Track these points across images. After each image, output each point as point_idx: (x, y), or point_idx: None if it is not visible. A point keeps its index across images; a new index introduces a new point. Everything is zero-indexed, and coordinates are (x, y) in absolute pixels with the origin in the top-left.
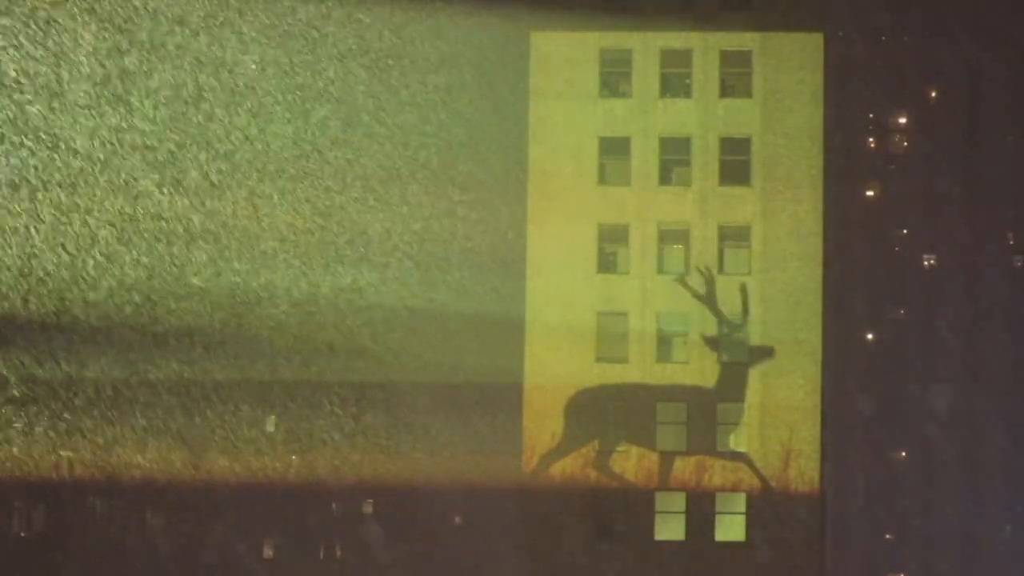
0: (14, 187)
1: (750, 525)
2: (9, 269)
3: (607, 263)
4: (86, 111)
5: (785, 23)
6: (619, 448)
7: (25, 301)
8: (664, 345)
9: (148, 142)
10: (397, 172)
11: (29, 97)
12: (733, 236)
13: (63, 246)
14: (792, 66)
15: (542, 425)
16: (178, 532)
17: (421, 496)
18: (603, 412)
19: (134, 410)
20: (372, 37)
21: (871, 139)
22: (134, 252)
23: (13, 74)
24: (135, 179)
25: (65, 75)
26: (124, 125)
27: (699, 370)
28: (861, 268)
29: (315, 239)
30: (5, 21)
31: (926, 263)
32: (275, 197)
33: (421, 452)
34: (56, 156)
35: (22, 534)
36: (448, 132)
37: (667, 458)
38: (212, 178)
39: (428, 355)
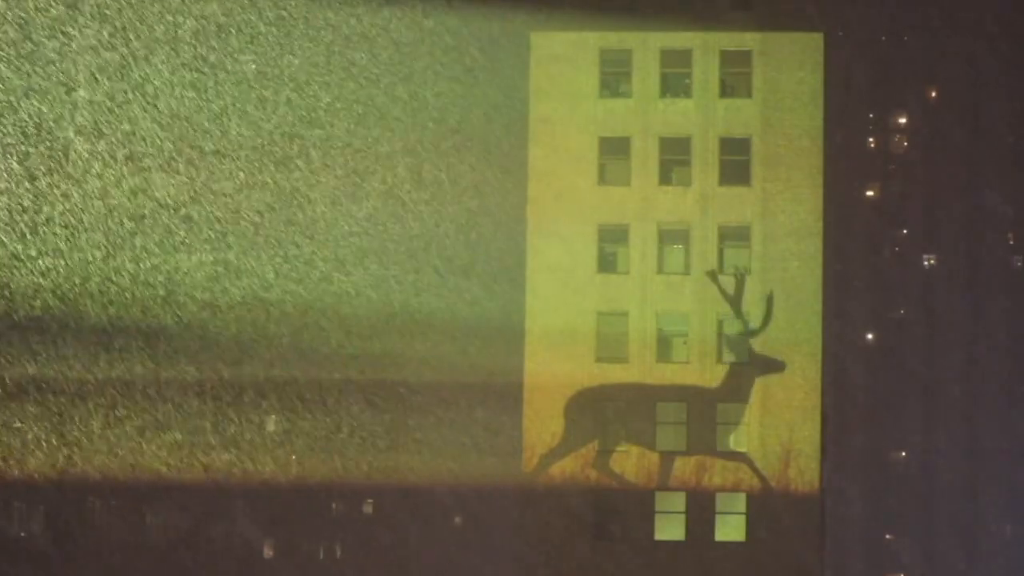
0: None
1: (750, 525)
2: None
3: (607, 263)
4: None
5: (785, 23)
6: (619, 448)
7: None
8: (664, 345)
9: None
10: (397, 173)
11: None
12: (733, 236)
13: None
14: (792, 66)
15: (542, 425)
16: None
17: (421, 496)
18: (603, 412)
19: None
20: (372, 37)
21: (871, 139)
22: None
23: None
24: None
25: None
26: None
27: (699, 370)
28: (861, 268)
29: (315, 240)
30: None
31: (926, 263)
32: (278, 200)
33: (421, 452)
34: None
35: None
36: (448, 132)
37: (667, 458)
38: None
39: (428, 355)
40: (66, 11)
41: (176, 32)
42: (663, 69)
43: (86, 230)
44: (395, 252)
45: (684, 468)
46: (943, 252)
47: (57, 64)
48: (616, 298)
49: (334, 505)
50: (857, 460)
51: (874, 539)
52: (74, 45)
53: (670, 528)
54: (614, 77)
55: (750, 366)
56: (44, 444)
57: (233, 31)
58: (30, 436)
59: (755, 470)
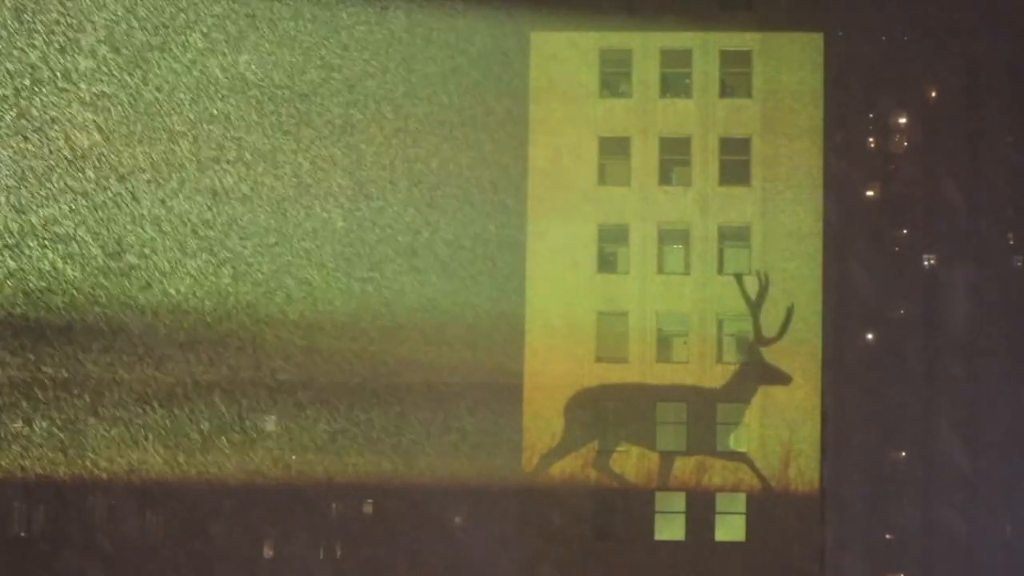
0: None
1: (750, 525)
2: None
3: (607, 263)
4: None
5: (785, 23)
6: (619, 448)
7: None
8: (664, 345)
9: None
10: (397, 173)
11: None
12: (733, 236)
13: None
14: (792, 66)
15: (542, 425)
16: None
17: (421, 496)
18: (603, 412)
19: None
20: (372, 37)
21: (871, 139)
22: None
23: None
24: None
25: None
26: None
27: (699, 370)
28: (861, 268)
29: (315, 240)
30: None
31: (926, 263)
32: (282, 202)
33: (421, 452)
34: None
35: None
36: (448, 132)
37: (667, 458)
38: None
39: (428, 355)
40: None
41: (172, 30)
42: (663, 69)
43: (89, 232)
44: (395, 252)
45: (684, 468)
46: (943, 252)
47: None
48: (616, 298)
49: (334, 505)
50: (857, 460)
51: (874, 539)
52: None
53: (670, 528)
54: (614, 77)
55: (757, 373)
56: (44, 444)
57: (234, 30)
58: (29, 436)
59: (755, 470)
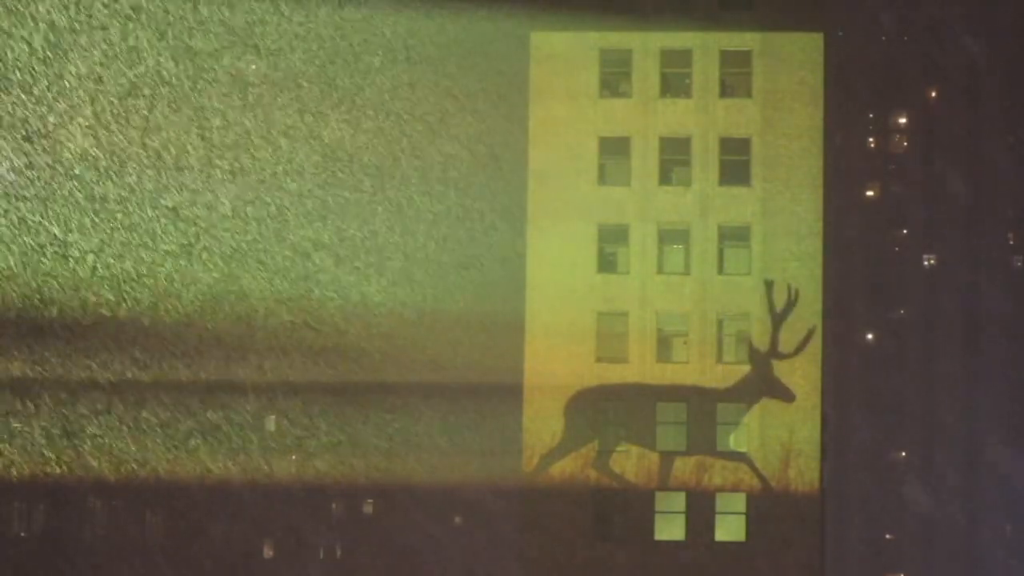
0: None
1: (750, 525)
2: None
3: (607, 263)
4: None
5: (785, 23)
6: (619, 448)
7: None
8: (664, 345)
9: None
10: (396, 173)
11: None
12: (733, 236)
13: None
14: (792, 66)
15: (542, 425)
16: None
17: (421, 496)
18: (603, 412)
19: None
20: (372, 37)
21: (871, 139)
22: None
23: None
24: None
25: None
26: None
27: (699, 370)
28: (861, 268)
29: (314, 240)
30: None
31: (926, 263)
32: (287, 203)
33: (422, 451)
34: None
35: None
36: (448, 132)
37: (667, 458)
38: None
39: (428, 355)
40: None
41: (171, 32)
42: (663, 69)
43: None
44: (395, 252)
45: (684, 468)
46: (943, 252)
47: None
48: (616, 298)
49: (334, 505)
50: (857, 460)
51: (874, 539)
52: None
53: (670, 528)
54: (614, 77)
55: (762, 385)
56: (44, 444)
57: (235, 29)
58: (29, 436)
59: (755, 470)
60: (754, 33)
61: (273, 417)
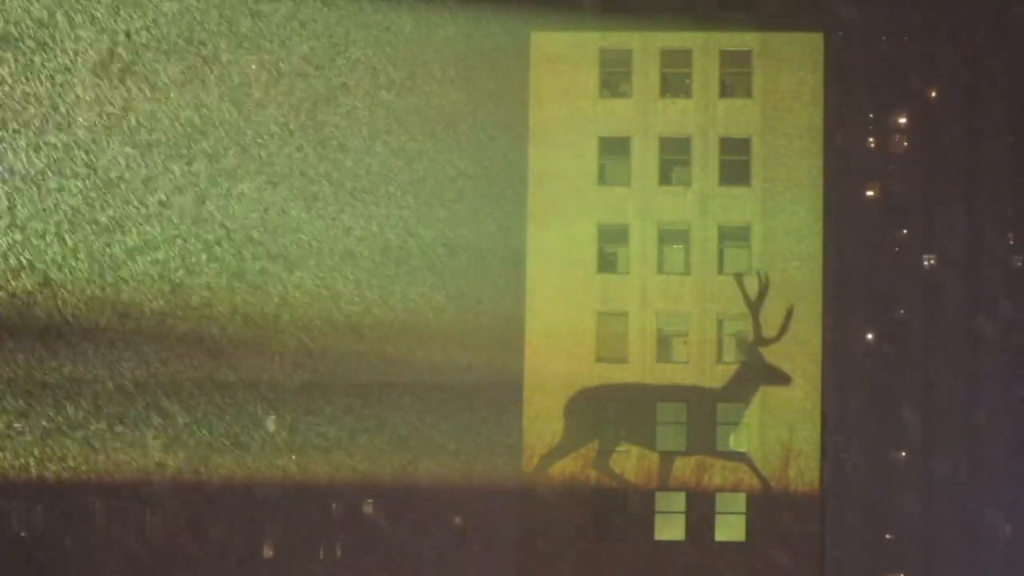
0: None
1: (750, 525)
2: None
3: (607, 263)
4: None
5: (785, 23)
6: (619, 448)
7: None
8: (664, 345)
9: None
10: (396, 173)
11: None
12: (733, 236)
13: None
14: (792, 66)
15: (542, 425)
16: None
17: (421, 496)
18: (603, 412)
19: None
20: (372, 37)
21: (871, 139)
22: None
23: None
24: None
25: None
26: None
27: (699, 370)
28: (861, 268)
29: (315, 241)
30: None
31: (926, 263)
32: (291, 202)
33: (422, 451)
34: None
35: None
36: (448, 132)
37: (667, 458)
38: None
39: (428, 355)
40: None
41: (172, 33)
42: (663, 69)
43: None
44: (394, 252)
45: (684, 468)
46: (943, 252)
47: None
48: (616, 298)
49: (334, 505)
50: (857, 460)
51: (874, 539)
52: None
53: (670, 528)
54: (614, 77)
55: (757, 374)
56: (43, 444)
57: (236, 28)
58: (29, 436)
59: (755, 470)
60: (754, 33)
61: (273, 417)
